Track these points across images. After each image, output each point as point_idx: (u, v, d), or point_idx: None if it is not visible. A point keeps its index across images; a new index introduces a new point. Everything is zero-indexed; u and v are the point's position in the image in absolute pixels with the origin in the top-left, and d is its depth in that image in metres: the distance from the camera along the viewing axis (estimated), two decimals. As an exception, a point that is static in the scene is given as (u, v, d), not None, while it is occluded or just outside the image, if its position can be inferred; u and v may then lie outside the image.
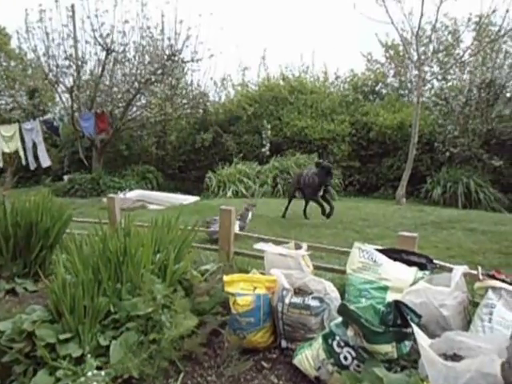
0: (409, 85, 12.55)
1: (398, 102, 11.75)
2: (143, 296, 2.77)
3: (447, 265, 2.81)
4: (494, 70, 9.55)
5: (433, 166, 10.59)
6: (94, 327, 2.59)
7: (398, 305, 2.25)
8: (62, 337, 2.44)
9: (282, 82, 12.49)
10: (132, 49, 10.93)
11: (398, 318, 2.24)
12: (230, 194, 8.95)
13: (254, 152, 11.69)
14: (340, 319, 2.35)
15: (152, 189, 11.52)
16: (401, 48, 12.18)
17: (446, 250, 4.93)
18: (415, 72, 10.73)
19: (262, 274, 3.14)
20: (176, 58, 10.52)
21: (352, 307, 2.19)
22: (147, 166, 12.42)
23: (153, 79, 10.21)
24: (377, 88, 12.81)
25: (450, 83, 11.33)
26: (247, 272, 3.37)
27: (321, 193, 6.40)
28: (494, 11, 9.07)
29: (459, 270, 2.57)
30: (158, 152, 13.07)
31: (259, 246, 3.10)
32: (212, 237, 5.37)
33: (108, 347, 2.46)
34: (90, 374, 2.24)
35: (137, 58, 10.91)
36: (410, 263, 2.83)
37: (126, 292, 2.77)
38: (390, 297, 2.68)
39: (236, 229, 5.45)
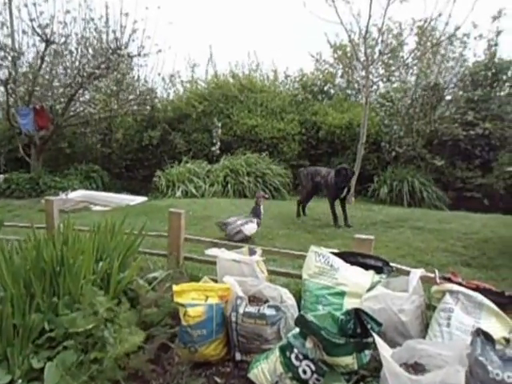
0: (356, 85, 12.80)
1: (347, 102, 11.94)
2: (83, 310, 2.51)
3: (403, 267, 2.78)
4: (438, 74, 9.94)
5: (379, 166, 10.84)
6: (25, 348, 2.31)
7: (358, 313, 2.16)
8: (-14, 362, 2.16)
9: (231, 80, 12.32)
10: (74, 41, 10.32)
11: (358, 327, 2.16)
12: (179, 193, 8.64)
13: (204, 151, 11.43)
14: (298, 329, 2.24)
15: (97, 189, 10.95)
16: (349, 49, 12.40)
17: (396, 249, 4.99)
18: (362, 73, 10.98)
19: (213, 280, 2.97)
20: (122, 52, 10.04)
21: (310, 318, 2.07)
22: (92, 164, 11.78)
23: (97, 73, 9.68)
24: (325, 88, 12.96)
25: (395, 85, 11.67)
26: (199, 279, 3.19)
27: (343, 194, 6.25)
28: (440, 14, 9.37)
29: (416, 274, 2.54)
30: (103, 150, 12.46)
31: (211, 251, 2.92)
32: (233, 238, 5.20)
33: (42, 370, 2.20)
34: (19, 404, 1.99)
35: (79, 50, 10.29)
36: (366, 267, 2.77)
37: (64, 306, 2.50)
38: (348, 302, 2.61)
39: (253, 228, 5.34)
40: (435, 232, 5.78)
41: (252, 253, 3.05)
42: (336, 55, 12.83)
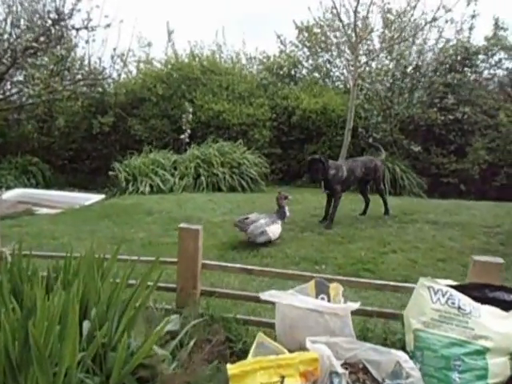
0: (324, 68, 11.99)
1: (318, 86, 11.07)
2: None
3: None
4: (420, 56, 9.39)
5: (354, 153, 10.15)
6: None
7: None
8: None
9: (192, 61, 10.99)
10: (1, 8, 8.58)
11: None
12: (143, 189, 7.34)
13: (164, 139, 10.14)
14: None
15: (37, 185, 9.32)
16: (315, 30, 11.59)
17: (430, 251, 4.21)
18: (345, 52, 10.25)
19: (262, 327, 1.96)
20: (64, 24, 8.45)
21: None
22: (29, 156, 10.06)
23: (35, 47, 8.01)
24: (292, 72, 12.00)
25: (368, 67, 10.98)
26: (236, 329, 2.16)
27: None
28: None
29: None
30: (42, 139, 10.70)
31: (269, 295, 1.87)
32: (256, 239, 4.26)
33: None
34: None
35: (9, 20, 8.55)
36: (498, 304, 1.88)
37: (33, 423, 1.36)
38: (492, 364, 1.70)
39: (278, 229, 4.48)
40: (455, 226, 5.08)
41: (321, 287, 2.03)
42: (301, 37, 12.00)
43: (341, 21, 8.39)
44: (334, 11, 10.22)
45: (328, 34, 11.31)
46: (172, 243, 4.38)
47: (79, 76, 8.95)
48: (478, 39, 9.95)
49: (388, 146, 9.99)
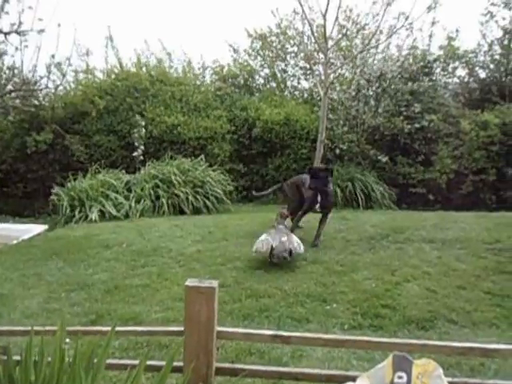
0: (279, 77, 11.56)
1: (278, 96, 10.56)
2: None
3: None
4: (384, 64, 9.16)
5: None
6: None
7: None
8: None
9: (139, 71, 10.10)
10: None
11: None
12: (93, 216, 6.31)
13: (111, 157, 9.16)
14: None
15: (-40, 214, 8.01)
16: (273, 38, 11.19)
17: (444, 276, 3.71)
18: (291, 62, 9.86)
19: None
20: (-10, 28, 7.36)
21: None
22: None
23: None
24: (248, 82, 11.43)
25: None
26: None
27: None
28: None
29: None
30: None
31: None
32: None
33: None
34: None
35: None
36: None
37: None
38: None
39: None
40: (454, 244, 4.66)
41: (400, 363, 1.38)
42: (254, 46, 11.52)
43: (309, 23, 7.85)
44: (292, 17, 9.92)
45: (284, 42, 10.97)
46: (143, 285, 3.56)
47: (9, 87, 7.79)
48: (433, 47, 10.01)
49: (354, 157, 9.72)
